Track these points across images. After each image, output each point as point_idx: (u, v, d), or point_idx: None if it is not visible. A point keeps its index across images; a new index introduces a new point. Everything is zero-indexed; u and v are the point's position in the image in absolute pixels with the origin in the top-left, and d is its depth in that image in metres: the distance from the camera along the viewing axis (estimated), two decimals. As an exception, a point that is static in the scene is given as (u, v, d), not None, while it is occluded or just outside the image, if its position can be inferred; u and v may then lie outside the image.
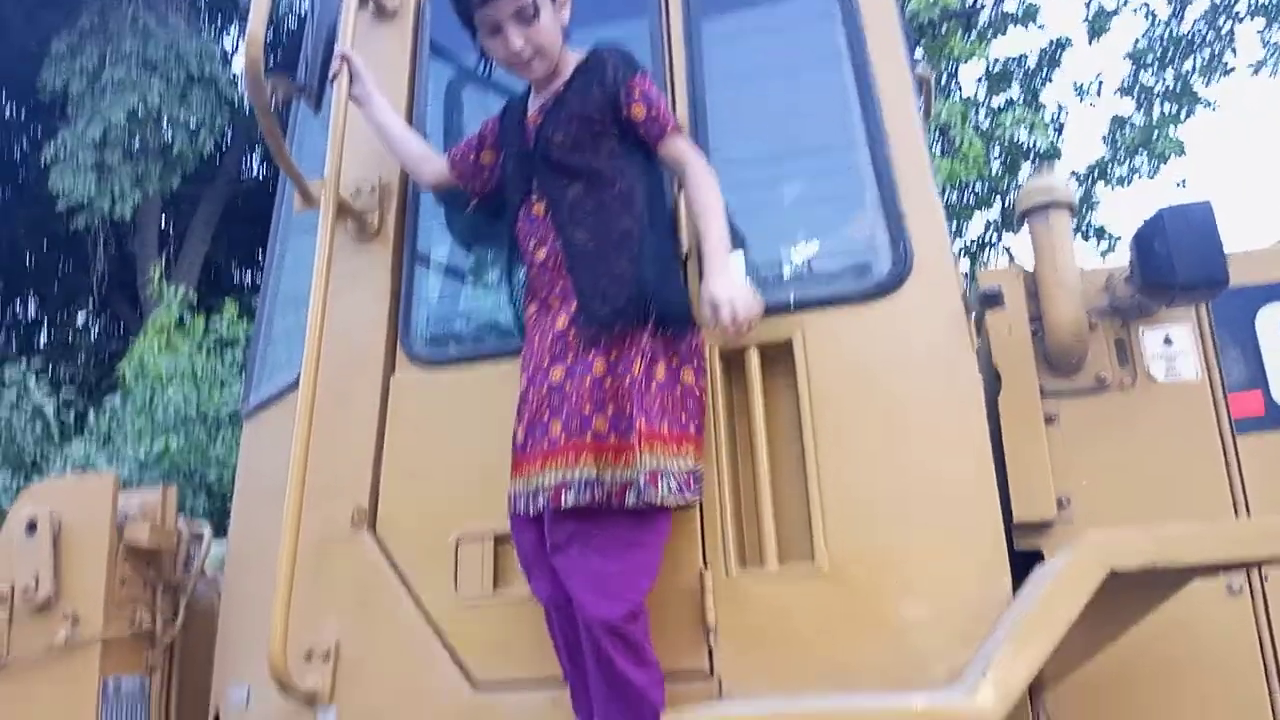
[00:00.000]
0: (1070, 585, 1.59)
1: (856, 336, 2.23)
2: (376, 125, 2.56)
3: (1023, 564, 2.03)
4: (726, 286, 2.05)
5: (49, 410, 7.95)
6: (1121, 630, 1.89)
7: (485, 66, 2.45)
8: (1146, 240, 2.08)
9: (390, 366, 2.52)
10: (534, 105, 2.35)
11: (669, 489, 2.01)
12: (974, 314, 2.25)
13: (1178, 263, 2.02)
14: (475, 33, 2.32)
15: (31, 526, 2.68)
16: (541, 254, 2.22)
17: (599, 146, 2.22)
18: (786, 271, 2.74)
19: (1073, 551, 1.64)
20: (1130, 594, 1.78)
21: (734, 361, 2.26)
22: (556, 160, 2.24)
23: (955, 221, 12.18)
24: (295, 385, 2.52)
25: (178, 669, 2.84)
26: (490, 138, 2.46)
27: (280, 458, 2.42)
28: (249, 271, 15.28)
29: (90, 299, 14.11)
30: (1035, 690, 1.99)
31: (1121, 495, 2.20)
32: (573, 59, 2.32)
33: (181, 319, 7.39)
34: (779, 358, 2.25)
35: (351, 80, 2.51)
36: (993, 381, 2.28)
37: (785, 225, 2.73)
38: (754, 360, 2.24)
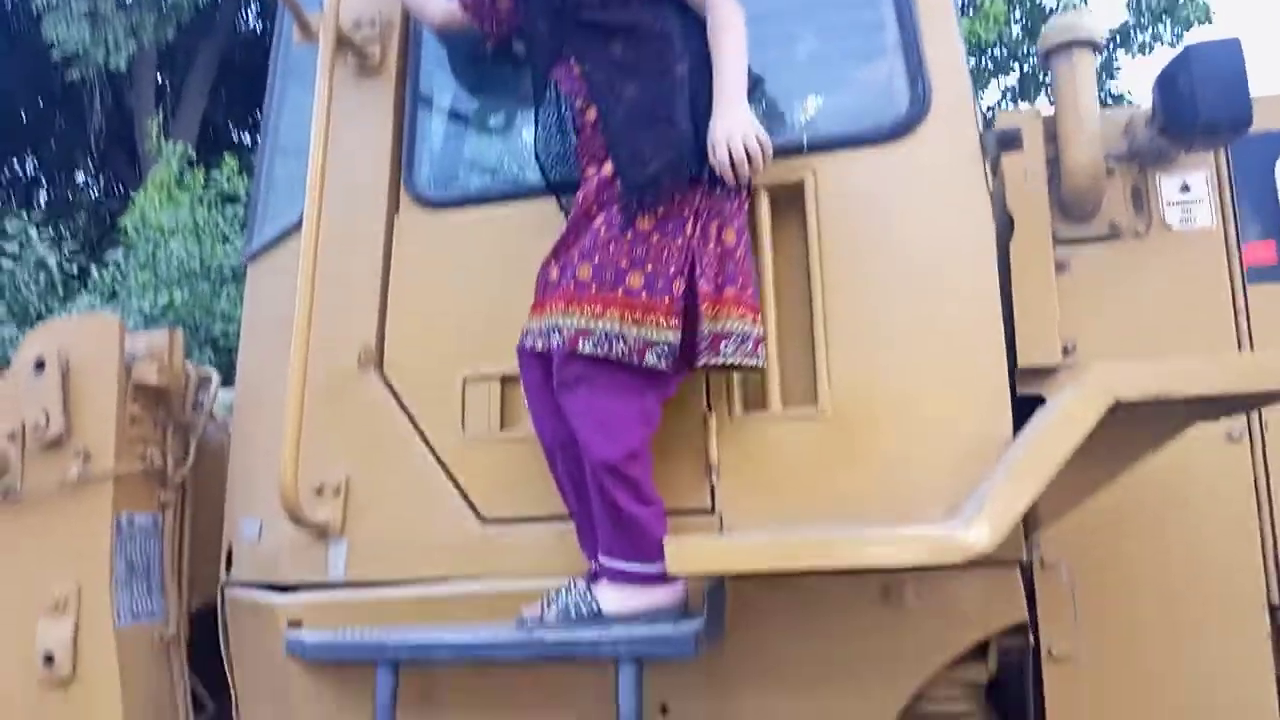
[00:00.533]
0: (1073, 415, 1.60)
1: (870, 178, 2.19)
2: None
3: (1026, 409, 2.04)
4: (729, 124, 2.00)
5: (52, 263, 7.93)
6: (1121, 469, 1.91)
7: None
8: (1170, 78, 2.02)
9: (394, 207, 2.48)
10: None
11: (732, 351, 2.02)
12: (990, 157, 2.20)
13: (1200, 101, 1.96)
14: None
15: (40, 365, 2.69)
16: (592, 114, 2.14)
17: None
18: (801, 113, 2.67)
19: (1077, 383, 1.64)
20: (1132, 432, 1.79)
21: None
22: (589, 20, 2.15)
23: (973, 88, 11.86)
24: (298, 227, 2.50)
25: (190, 506, 2.90)
26: None
27: (285, 299, 2.42)
28: (247, 132, 15.02)
29: (88, 156, 13.93)
30: (1031, 527, 2.03)
31: (1129, 342, 2.19)
32: None
33: (181, 175, 7.29)
34: (790, 200, 2.22)
35: None
36: (1006, 226, 2.25)
37: (802, 65, 2.65)
38: (764, 203, 2.21)
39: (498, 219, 2.41)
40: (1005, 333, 2.12)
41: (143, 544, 2.75)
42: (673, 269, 2.00)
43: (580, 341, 2.00)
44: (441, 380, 2.35)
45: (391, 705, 1.98)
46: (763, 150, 2.01)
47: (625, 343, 1.99)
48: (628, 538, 2.00)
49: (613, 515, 2.01)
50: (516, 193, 2.46)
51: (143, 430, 2.76)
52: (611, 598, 2.00)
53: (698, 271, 2.02)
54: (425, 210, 2.46)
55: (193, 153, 7.78)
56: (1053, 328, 2.20)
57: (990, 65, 12.48)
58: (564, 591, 2.03)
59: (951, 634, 2.07)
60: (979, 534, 1.61)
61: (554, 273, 2.10)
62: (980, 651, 2.15)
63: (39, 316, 6.71)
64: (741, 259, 2.07)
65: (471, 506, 2.29)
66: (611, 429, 2.00)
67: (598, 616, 1.99)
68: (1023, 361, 2.19)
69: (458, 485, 2.30)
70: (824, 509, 2.07)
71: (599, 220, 2.06)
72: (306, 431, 2.26)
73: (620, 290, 2.00)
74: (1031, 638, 2.16)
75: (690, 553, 1.74)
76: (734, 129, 1.99)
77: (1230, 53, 1.96)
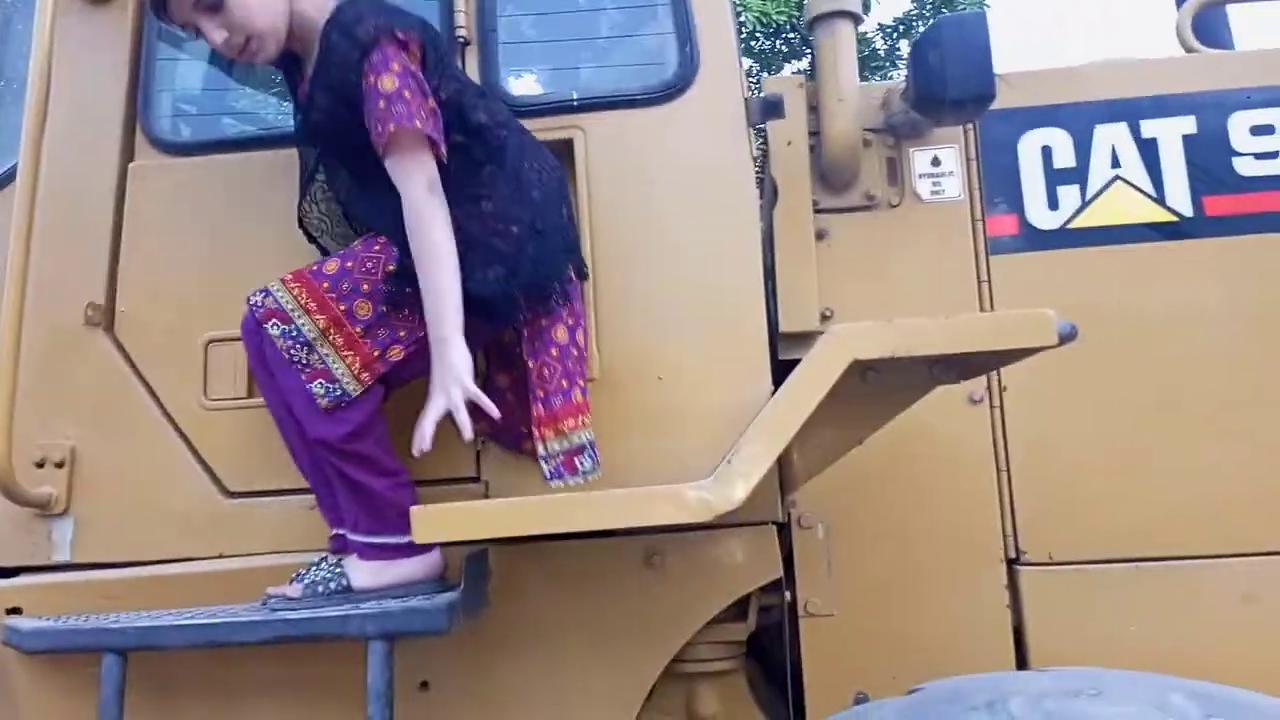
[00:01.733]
0: (815, 374, 1.63)
1: (637, 139, 2.17)
2: None
3: (786, 374, 2.08)
4: (444, 386, 1.79)
5: None
6: (869, 430, 1.98)
7: None
8: (922, 51, 2.09)
9: (129, 151, 2.27)
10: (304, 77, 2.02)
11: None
12: (755, 123, 2.22)
13: (949, 75, 2.03)
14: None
15: None
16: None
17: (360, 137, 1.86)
18: (571, 68, 2.62)
19: (819, 344, 1.67)
20: (879, 394, 1.85)
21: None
22: (323, 143, 2.03)
23: (765, 70, 12.16)
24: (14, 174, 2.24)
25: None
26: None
27: (4, 251, 2.17)
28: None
29: None
30: (787, 487, 2.08)
31: (884, 309, 2.27)
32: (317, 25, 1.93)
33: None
34: (558, 158, 2.16)
35: None
36: (770, 193, 2.28)
37: (576, 23, 2.60)
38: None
39: (244, 166, 2.24)
40: (767, 298, 2.15)
41: None
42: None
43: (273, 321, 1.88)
44: (181, 342, 2.17)
45: (117, 698, 1.81)
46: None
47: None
48: (371, 510, 1.91)
49: (351, 489, 1.91)
50: (263, 140, 2.29)
51: None
52: (362, 571, 1.90)
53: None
54: (163, 154, 2.26)
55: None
56: (812, 294, 2.26)
57: (784, 48, 12.83)
58: (313, 568, 1.92)
59: (711, 593, 2.09)
60: (726, 491, 1.62)
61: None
62: (741, 610, 2.19)
63: None
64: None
65: (214, 479, 2.13)
66: (328, 408, 1.87)
67: (347, 592, 1.89)
68: (784, 327, 2.23)
69: (199, 456, 2.14)
70: (591, 474, 2.04)
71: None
72: (24, 397, 2.05)
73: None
74: (789, 595, 2.22)
75: (436, 520, 1.67)
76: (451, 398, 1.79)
77: (976, 27, 2.04)
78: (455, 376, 1.77)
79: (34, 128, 2.07)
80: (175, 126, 2.37)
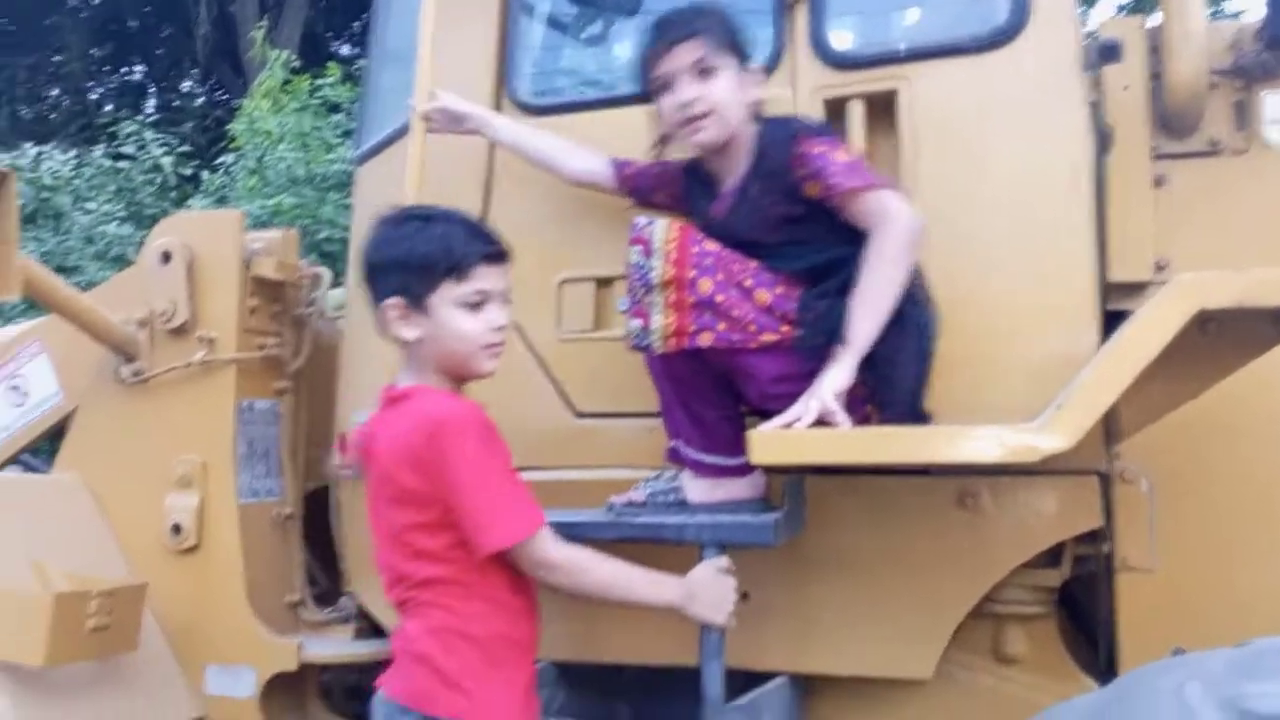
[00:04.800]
0: (1157, 322, 1.63)
1: (966, 88, 2.19)
2: (506, 145, 2.46)
3: (1115, 325, 2.06)
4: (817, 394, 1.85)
5: (166, 165, 8.25)
6: (1206, 384, 1.93)
7: None
8: (1283, -11, 1.97)
9: (497, 112, 2.57)
10: (717, 189, 2.14)
11: None
12: (1091, 68, 2.18)
13: (1314, 13, 1.91)
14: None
15: (166, 256, 2.88)
16: None
17: (812, 229, 2.00)
18: (898, 20, 2.66)
19: (1162, 291, 1.66)
20: (1219, 345, 1.81)
21: (837, 112, 2.26)
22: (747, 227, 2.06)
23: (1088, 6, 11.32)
24: (404, 132, 2.61)
25: (304, 396, 3.09)
26: (672, 189, 2.26)
27: (392, 201, 2.53)
28: (347, 44, 15.17)
29: (194, 65, 14.25)
30: (1113, 438, 2.07)
31: (1223, 260, 2.15)
32: (751, 134, 2.07)
33: (286, 82, 7.48)
34: (884, 109, 2.24)
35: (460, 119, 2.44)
36: (1104, 139, 2.24)
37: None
38: (858, 111, 2.24)
39: (596, 125, 2.48)
40: (1097, 247, 2.13)
41: (263, 428, 2.96)
42: None
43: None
44: (539, 282, 2.46)
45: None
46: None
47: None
48: (704, 433, 2.09)
49: (685, 410, 2.09)
50: (612, 101, 2.52)
51: (261, 322, 2.95)
52: (696, 488, 2.11)
53: None
54: (526, 116, 2.54)
55: (296, 61, 7.95)
56: (1146, 243, 2.20)
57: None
58: (652, 480, 2.15)
59: (1025, 538, 2.13)
60: (1055, 436, 1.66)
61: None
62: (1054, 557, 2.21)
63: (153, 219, 7.02)
64: None
65: (565, 399, 2.41)
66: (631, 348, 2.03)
67: (682, 505, 2.10)
68: (1114, 276, 2.19)
69: (552, 379, 2.43)
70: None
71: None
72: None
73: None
74: (1106, 546, 2.21)
75: (773, 444, 1.82)
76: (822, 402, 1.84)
77: (1349, -39, 1.90)
78: (827, 388, 1.84)
79: (423, 91, 2.40)
80: (535, 90, 2.64)
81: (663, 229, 1.97)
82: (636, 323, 1.96)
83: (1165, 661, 1.70)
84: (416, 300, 1.83)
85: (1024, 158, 2.12)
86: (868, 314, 1.87)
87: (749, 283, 1.95)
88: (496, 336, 1.88)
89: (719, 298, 1.92)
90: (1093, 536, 2.19)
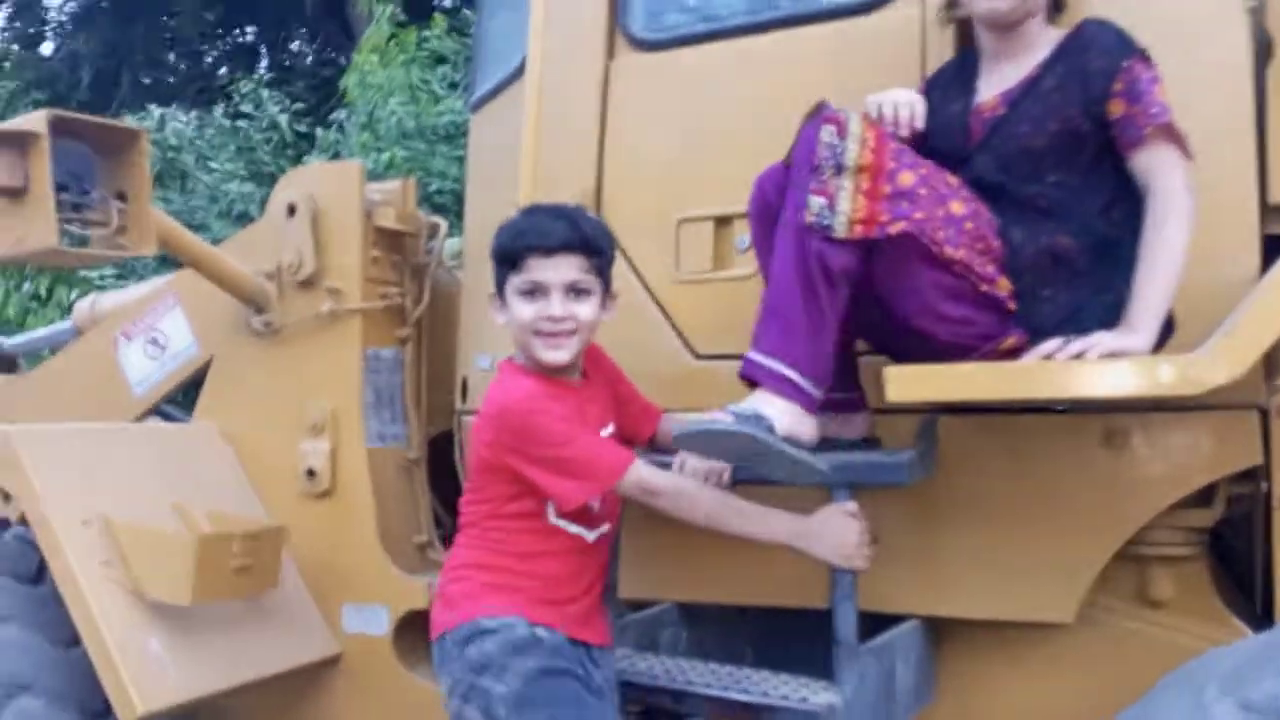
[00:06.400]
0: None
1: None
2: None
3: (1275, 250, 1.93)
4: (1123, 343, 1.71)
5: (283, 122, 8.46)
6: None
7: None
8: None
9: (610, 51, 2.52)
10: (988, 85, 2.00)
11: None
12: (1251, -27, 2.02)
13: None
14: None
15: (291, 209, 2.94)
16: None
17: (1074, 161, 1.88)
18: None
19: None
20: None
21: (966, 34, 2.14)
22: (1019, 168, 1.92)
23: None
24: (518, 74, 2.59)
25: (425, 343, 3.14)
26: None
27: (508, 146, 2.53)
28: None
29: (302, 25, 14.51)
30: (1272, 370, 1.94)
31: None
32: (1050, 33, 1.96)
33: (393, 36, 7.55)
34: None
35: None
36: (1265, 49, 2.07)
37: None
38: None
39: (711, 57, 2.41)
40: (1259, 167, 1.98)
41: (388, 375, 3.02)
42: None
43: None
44: (657, 221, 2.42)
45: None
46: None
47: None
48: (825, 362, 1.90)
49: (797, 317, 1.86)
50: (725, 31, 2.45)
51: (383, 271, 3.00)
52: (789, 417, 1.85)
53: None
54: (640, 51, 2.49)
55: (401, 15, 8.02)
56: (1311, 161, 2.04)
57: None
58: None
59: (1176, 478, 2.03)
60: (1218, 367, 1.56)
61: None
62: (1206, 496, 2.10)
63: (271, 176, 7.21)
64: None
65: (684, 341, 2.38)
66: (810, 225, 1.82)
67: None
68: (1275, 197, 2.04)
69: (671, 321, 2.40)
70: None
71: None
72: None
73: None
74: (1264, 485, 2.08)
75: (909, 379, 1.76)
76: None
77: None
78: (1134, 344, 1.72)
79: (538, 29, 2.37)
80: (648, 24, 2.58)
81: (858, 119, 1.83)
82: (820, 201, 1.79)
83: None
84: (500, 289, 2.00)
85: (1181, 71, 1.97)
86: (1162, 284, 1.75)
87: (959, 209, 1.83)
88: (548, 325, 1.93)
89: (922, 190, 1.80)
90: (1248, 475, 2.07)
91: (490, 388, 2.01)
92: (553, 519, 1.95)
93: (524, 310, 1.94)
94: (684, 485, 1.94)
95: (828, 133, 1.82)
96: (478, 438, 1.98)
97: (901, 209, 1.79)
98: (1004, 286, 1.85)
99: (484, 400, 2.00)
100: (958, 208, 1.84)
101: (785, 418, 1.82)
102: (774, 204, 1.93)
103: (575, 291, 1.94)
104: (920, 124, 1.96)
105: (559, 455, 1.88)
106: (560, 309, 1.92)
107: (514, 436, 1.90)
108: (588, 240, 1.95)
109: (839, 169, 1.80)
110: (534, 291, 1.93)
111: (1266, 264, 1.88)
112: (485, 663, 1.85)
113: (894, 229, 1.79)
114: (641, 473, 1.90)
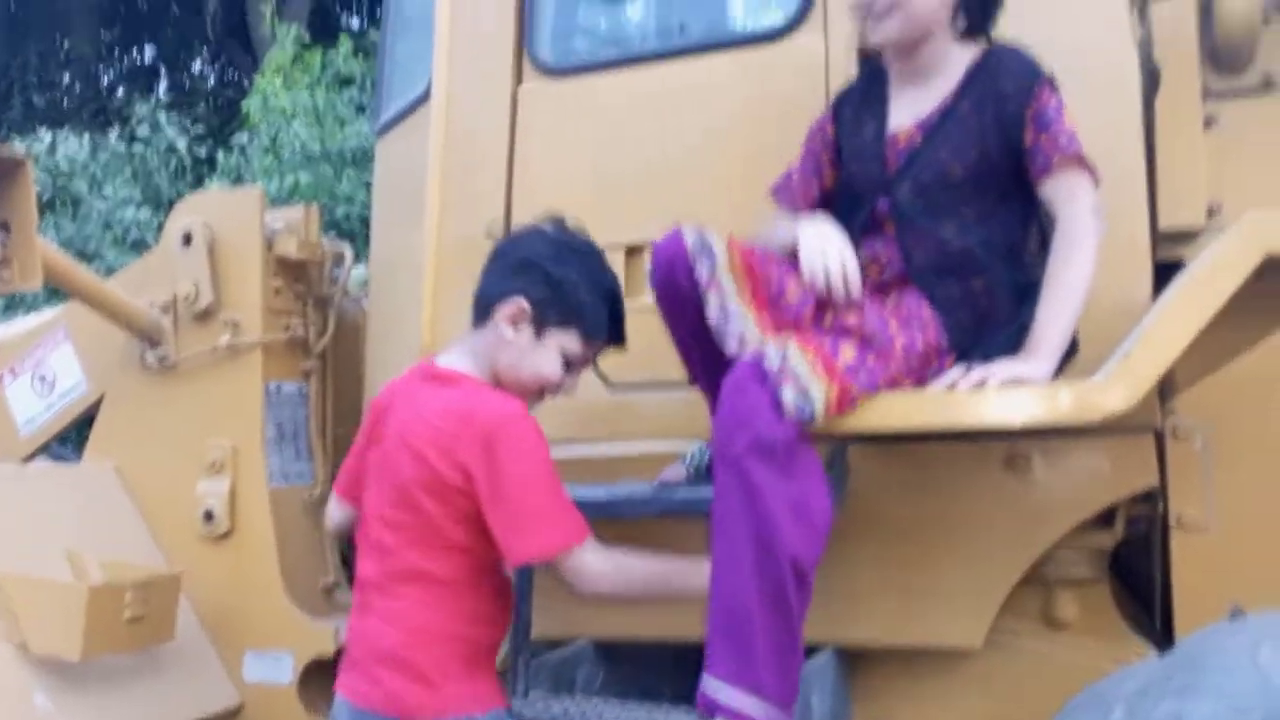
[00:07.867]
0: (1223, 269, 1.55)
1: (1011, 26, 2.09)
2: None
3: (1164, 276, 1.98)
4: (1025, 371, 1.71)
5: (181, 146, 8.20)
6: (1265, 333, 1.85)
7: None
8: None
9: (518, 75, 2.50)
10: (899, 109, 1.97)
11: None
12: (1138, 4, 2.09)
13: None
14: None
15: (187, 238, 2.83)
16: (875, 273, 1.93)
17: (990, 188, 1.88)
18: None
19: (1227, 234, 1.58)
20: (1275, 296, 1.72)
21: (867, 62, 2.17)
22: (937, 199, 1.89)
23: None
24: (425, 99, 2.54)
25: (330, 376, 3.05)
26: (827, 153, 2.05)
27: (415, 172, 2.48)
28: (356, 16, 15.05)
29: (205, 45, 14.17)
30: (1166, 393, 1.99)
31: (1277, 204, 2.09)
32: (958, 54, 1.92)
33: (297, 57, 7.40)
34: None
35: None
36: (1150, 78, 2.14)
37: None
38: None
39: (617, 86, 2.40)
40: (1148, 193, 2.04)
41: (291, 410, 2.92)
42: None
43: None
44: (567, 250, 2.39)
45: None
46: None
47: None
48: None
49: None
50: (632, 58, 2.45)
51: (285, 302, 2.91)
52: None
53: None
54: (548, 77, 2.46)
55: (306, 36, 7.87)
56: (1198, 187, 2.11)
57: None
58: (694, 454, 2.09)
59: (1077, 501, 2.06)
60: (1115, 394, 1.59)
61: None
62: (1106, 519, 2.14)
63: (170, 202, 6.99)
64: None
65: (599, 373, 2.35)
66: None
67: None
68: (1164, 223, 2.11)
69: (585, 353, 2.36)
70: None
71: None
72: (439, 301, 2.34)
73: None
74: (1160, 506, 2.14)
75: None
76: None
77: None
78: (1034, 371, 1.71)
79: (442, 56, 2.33)
80: (556, 51, 2.56)
81: (775, 349, 1.72)
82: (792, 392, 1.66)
83: (1231, 623, 1.64)
84: (542, 320, 1.85)
85: (1075, 100, 2.02)
86: (1065, 311, 1.75)
87: (901, 341, 1.82)
88: (554, 392, 1.93)
89: (869, 357, 1.76)
90: (1145, 497, 2.12)
91: (469, 395, 1.79)
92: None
93: (554, 368, 1.88)
94: (628, 560, 1.80)
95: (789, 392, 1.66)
96: (426, 452, 1.72)
97: (862, 380, 1.74)
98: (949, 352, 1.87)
99: (457, 409, 1.76)
100: (900, 341, 1.81)
101: None
102: (685, 289, 1.85)
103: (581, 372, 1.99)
104: (856, 291, 1.84)
105: (550, 490, 1.74)
106: (574, 388, 1.96)
107: (508, 454, 1.70)
108: None
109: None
110: (571, 364, 1.91)
111: (1158, 289, 1.93)
112: None
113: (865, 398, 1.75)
114: (593, 549, 1.76)
